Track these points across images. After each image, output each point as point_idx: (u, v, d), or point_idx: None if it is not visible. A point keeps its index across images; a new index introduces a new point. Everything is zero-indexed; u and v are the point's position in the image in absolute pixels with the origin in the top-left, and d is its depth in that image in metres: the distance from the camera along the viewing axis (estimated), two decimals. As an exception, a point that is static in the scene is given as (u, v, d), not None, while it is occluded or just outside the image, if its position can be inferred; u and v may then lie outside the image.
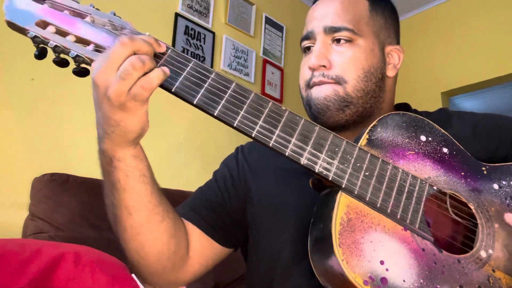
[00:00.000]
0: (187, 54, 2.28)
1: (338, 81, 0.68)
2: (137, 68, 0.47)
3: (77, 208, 1.32)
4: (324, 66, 0.68)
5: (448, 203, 0.58)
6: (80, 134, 1.57)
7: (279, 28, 2.66)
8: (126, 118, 0.50)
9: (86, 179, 1.41)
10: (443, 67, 2.78)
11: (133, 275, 0.71)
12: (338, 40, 0.69)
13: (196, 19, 2.15)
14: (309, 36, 0.71)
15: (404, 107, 0.80)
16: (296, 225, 0.66)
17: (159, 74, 0.49)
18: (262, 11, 2.57)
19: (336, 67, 0.68)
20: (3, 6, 0.51)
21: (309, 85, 0.70)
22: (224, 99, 0.51)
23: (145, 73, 0.48)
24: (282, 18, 2.69)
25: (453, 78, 2.72)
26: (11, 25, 0.51)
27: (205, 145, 2.04)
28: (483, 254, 0.55)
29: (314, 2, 0.76)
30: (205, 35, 2.18)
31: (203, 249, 0.70)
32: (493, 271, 0.54)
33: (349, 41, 0.68)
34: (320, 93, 0.68)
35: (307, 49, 0.73)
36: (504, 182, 0.61)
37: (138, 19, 1.90)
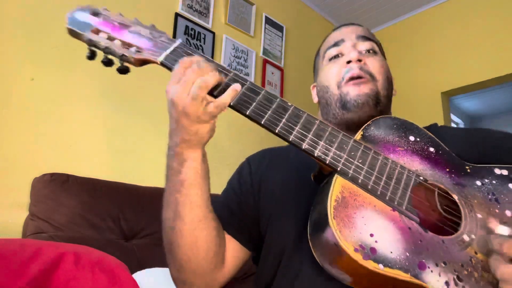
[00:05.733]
0: (187, 54, 2.22)
1: (373, 77, 0.78)
2: (202, 88, 0.59)
3: (77, 208, 1.32)
4: (360, 60, 0.78)
5: (436, 194, 0.63)
6: (80, 134, 1.57)
7: (279, 28, 2.66)
8: (201, 128, 0.62)
9: (86, 179, 1.41)
10: (443, 67, 2.78)
11: (133, 276, 0.71)
12: (367, 51, 0.82)
13: (196, 19, 2.15)
14: (338, 44, 0.83)
15: None
16: (299, 216, 0.71)
17: (229, 94, 0.61)
18: (262, 11, 2.57)
19: (368, 67, 0.79)
20: (66, 15, 0.65)
21: (344, 80, 0.79)
22: (241, 93, 0.62)
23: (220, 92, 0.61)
24: (282, 18, 2.69)
25: (453, 78, 2.72)
26: (71, 32, 0.65)
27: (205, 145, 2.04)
28: (466, 238, 0.58)
29: (336, 28, 0.89)
30: (205, 35, 2.18)
31: (234, 252, 0.76)
32: (475, 253, 0.56)
33: (375, 53, 0.82)
34: (361, 90, 0.77)
35: (335, 57, 0.83)
36: (486, 180, 0.65)
37: (138, 19, 1.90)
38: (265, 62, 2.51)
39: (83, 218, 1.31)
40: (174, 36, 2.03)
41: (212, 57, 2.19)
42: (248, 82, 0.64)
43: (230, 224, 0.77)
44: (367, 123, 0.68)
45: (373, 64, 0.79)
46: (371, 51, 0.81)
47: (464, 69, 2.67)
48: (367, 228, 0.54)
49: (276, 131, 0.60)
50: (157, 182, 1.49)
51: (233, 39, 2.34)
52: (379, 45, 0.85)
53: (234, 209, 0.80)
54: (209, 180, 0.68)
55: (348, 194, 0.57)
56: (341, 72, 0.79)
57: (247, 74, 2.39)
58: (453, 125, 4.50)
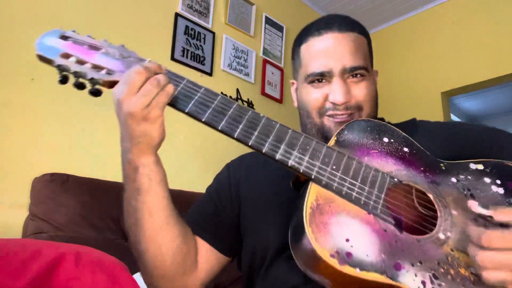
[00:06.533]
0: (187, 54, 2.25)
1: (357, 108, 0.77)
2: (155, 86, 0.59)
3: (77, 208, 1.32)
4: (346, 101, 0.76)
5: (413, 194, 0.63)
6: (80, 134, 1.57)
7: (279, 28, 2.66)
8: (149, 127, 0.61)
9: (86, 179, 1.41)
10: (443, 67, 2.78)
11: (134, 276, 0.71)
12: (354, 75, 0.76)
13: (196, 19, 2.15)
14: (325, 74, 0.76)
15: (379, 119, 0.87)
16: (279, 221, 0.72)
17: (172, 86, 0.62)
18: (262, 11, 2.57)
19: (355, 97, 0.76)
20: (35, 42, 0.64)
21: (326, 114, 0.77)
22: (211, 108, 0.62)
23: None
24: (282, 18, 2.69)
25: (453, 78, 2.72)
26: (41, 58, 0.64)
27: (205, 145, 2.04)
28: (441, 236, 0.58)
29: (318, 30, 0.79)
30: (205, 35, 2.18)
31: (208, 257, 0.76)
32: (452, 250, 0.57)
33: (362, 76, 0.77)
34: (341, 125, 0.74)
35: (319, 80, 0.78)
36: (461, 176, 0.65)
37: (138, 19, 1.90)
38: (265, 62, 2.51)
39: (83, 218, 1.32)
40: (174, 36, 2.03)
41: (212, 57, 2.19)
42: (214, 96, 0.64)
43: (205, 229, 0.77)
44: (341, 127, 0.68)
45: (360, 94, 0.76)
46: (358, 76, 0.76)
47: (464, 69, 2.67)
48: (343, 233, 0.55)
49: (250, 144, 0.60)
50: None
51: (233, 39, 2.34)
52: (366, 67, 0.77)
53: (210, 215, 0.80)
54: (167, 186, 0.67)
55: (323, 201, 0.58)
56: (325, 104, 0.77)
57: (247, 74, 2.39)
58: (453, 125, 4.48)
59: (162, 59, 1.96)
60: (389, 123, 0.86)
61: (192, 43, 2.11)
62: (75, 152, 1.54)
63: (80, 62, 0.63)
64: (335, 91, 0.75)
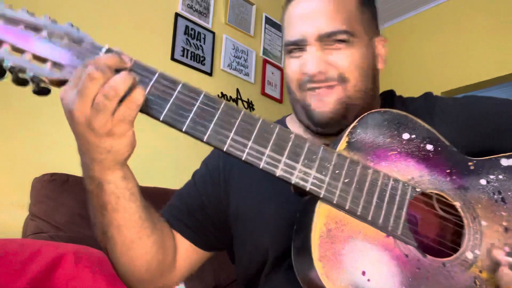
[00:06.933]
0: (187, 54, 2.23)
1: (341, 79, 0.65)
2: (111, 98, 0.45)
3: (77, 208, 1.32)
4: (322, 71, 0.65)
5: (435, 205, 0.57)
6: (80, 134, 1.57)
7: (279, 28, 2.66)
8: (116, 142, 0.49)
9: (86, 179, 1.41)
10: (443, 67, 2.78)
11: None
12: (334, 40, 0.65)
13: (196, 19, 2.15)
14: (299, 43, 0.67)
15: (390, 94, 0.79)
16: (279, 224, 0.66)
17: (141, 91, 0.47)
18: (262, 11, 2.57)
19: (336, 66, 0.65)
20: None
21: (307, 88, 0.67)
22: (192, 112, 0.49)
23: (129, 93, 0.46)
24: (282, 18, 2.69)
25: (453, 78, 2.72)
26: None
27: (205, 144, 2.04)
28: (469, 255, 0.53)
29: None
30: (205, 35, 2.18)
31: (188, 254, 0.72)
32: (480, 272, 0.52)
33: (345, 41, 0.65)
34: (324, 106, 0.65)
35: (297, 50, 0.68)
36: (492, 177, 0.58)
37: (138, 19, 1.90)
38: (265, 62, 2.52)
39: (83, 218, 1.31)
40: (174, 36, 2.03)
41: (212, 57, 2.19)
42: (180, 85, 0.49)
43: (186, 225, 0.72)
44: (353, 124, 0.57)
45: (341, 63, 0.65)
46: (340, 42, 0.65)
47: (464, 69, 2.67)
48: (358, 265, 0.48)
49: (243, 158, 0.49)
50: (156, 182, 1.49)
51: (233, 39, 2.34)
52: (350, 31, 0.65)
53: (194, 210, 0.73)
54: (139, 198, 0.58)
55: (334, 226, 0.50)
56: (302, 77, 0.67)
57: (247, 74, 2.39)
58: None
59: (162, 59, 1.96)
60: (400, 97, 0.77)
61: (192, 43, 2.11)
62: (75, 152, 1.54)
63: (17, 50, 0.47)
64: (307, 61, 0.65)
